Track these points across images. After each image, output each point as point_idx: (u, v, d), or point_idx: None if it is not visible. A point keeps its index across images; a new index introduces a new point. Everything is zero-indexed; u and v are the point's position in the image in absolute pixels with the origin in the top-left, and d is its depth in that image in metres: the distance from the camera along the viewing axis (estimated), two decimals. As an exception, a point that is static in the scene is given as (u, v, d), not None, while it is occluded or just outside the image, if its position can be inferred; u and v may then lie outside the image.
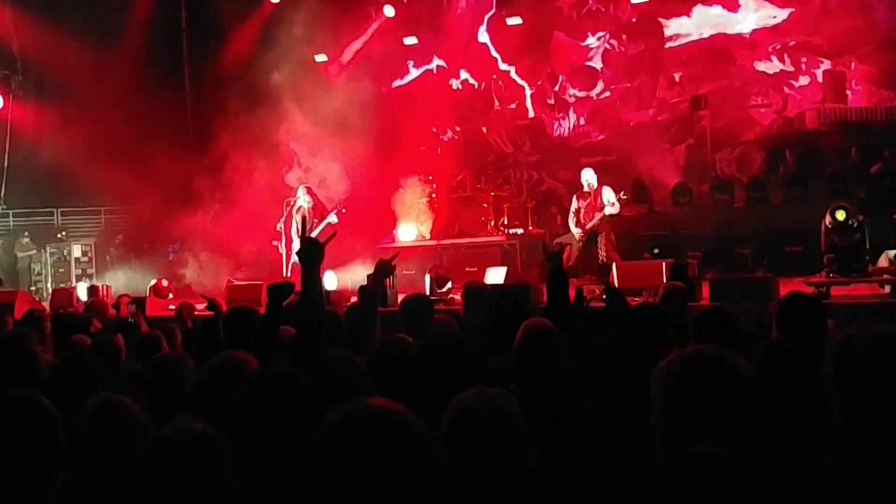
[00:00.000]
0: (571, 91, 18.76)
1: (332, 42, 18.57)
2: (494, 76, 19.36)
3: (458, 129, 19.60)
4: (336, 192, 15.30)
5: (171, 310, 9.30)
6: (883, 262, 9.25)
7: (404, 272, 12.70)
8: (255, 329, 4.24)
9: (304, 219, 10.73)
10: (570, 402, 3.18)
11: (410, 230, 15.98)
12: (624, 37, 18.20)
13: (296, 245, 12.74)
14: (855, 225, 9.48)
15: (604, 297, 5.38)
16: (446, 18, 19.39)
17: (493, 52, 19.15)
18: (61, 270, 18.11)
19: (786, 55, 16.61)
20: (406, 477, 1.65)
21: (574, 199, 12.25)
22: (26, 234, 18.60)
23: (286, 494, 2.35)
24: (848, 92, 16.02)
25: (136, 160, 16.72)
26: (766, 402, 2.41)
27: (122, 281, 16.08)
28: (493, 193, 15.72)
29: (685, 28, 17.54)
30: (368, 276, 4.63)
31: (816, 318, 3.89)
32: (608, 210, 11.69)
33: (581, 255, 11.81)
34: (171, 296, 13.03)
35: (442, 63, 19.69)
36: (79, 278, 17.50)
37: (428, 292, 10.70)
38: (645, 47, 17.97)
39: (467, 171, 17.18)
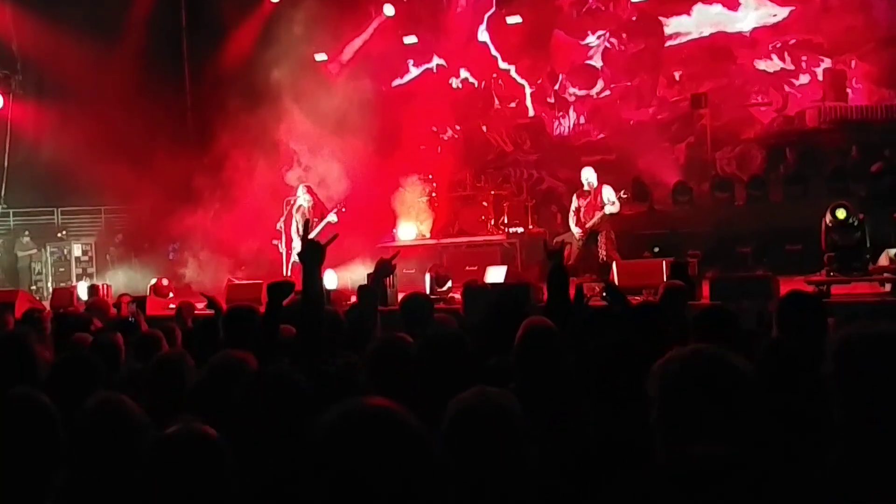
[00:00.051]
0: (571, 90, 18.75)
1: (332, 41, 18.57)
2: (494, 75, 19.35)
3: (458, 127, 19.60)
4: (336, 191, 15.29)
5: (172, 309, 9.30)
6: (883, 260, 9.24)
7: (404, 271, 12.70)
8: (254, 328, 4.24)
9: (306, 220, 10.69)
10: (571, 402, 3.18)
11: (410, 229, 15.97)
12: (624, 35, 18.20)
13: (296, 244, 12.75)
14: (855, 223, 9.48)
15: (604, 294, 5.38)
16: (446, 17, 19.38)
17: (493, 51, 19.15)
18: (62, 270, 18.11)
19: (786, 53, 16.60)
20: (403, 476, 1.65)
21: (574, 197, 12.25)
22: (27, 233, 18.61)
23: (284, 494, 2.35)
24: (848, 90, 16.02)
25: (137, 159, 16.72)
26: (766, 401, 2.41)
27: (122, 280, 16.09)
28: (493, 192, 15.71)
29: (685, 26, 17.54)
30: (369, 275, 4.63)
31: (817, 316, 3.89)
32: (608, 209, 11.69)
33: (581, 253, 11.82)
34: (171, 295, 13.04)
35: (442, 62, 19.68)
36: (79, 277, 17.50)
37: (428, 291, 10.70)
38: (645, 46, 17.97)
39: (467, 170, 17.18)
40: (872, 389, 2.06)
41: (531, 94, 19.08)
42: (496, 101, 19.51)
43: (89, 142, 16.51)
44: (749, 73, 16.90)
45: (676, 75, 17.71)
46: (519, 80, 19.16)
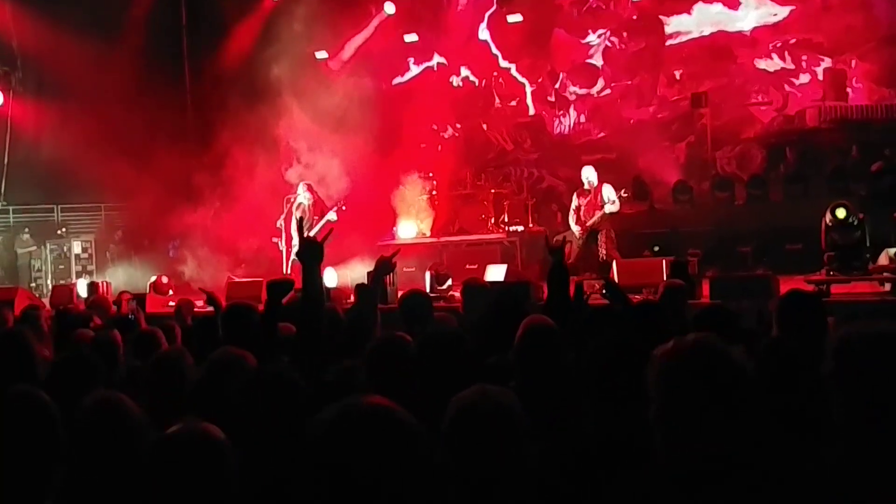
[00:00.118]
0: (572, 88, 18.74)
1: (333, 39, 18.58)
2: (495, 73, 19.34)
3: (458, 126, 19.58)
4: (336, 190, 15.29)
5: (171, 307, 9.30)
6: (883, 259, 9.25)
7: (404, 269, 12.71)
8: (253, 326, 4.23)
9: (300, 219, 10.68)
10: (571, 401, 3.17)
11: (411, 227, 15.97)
12: (624, 34, 18.19)
13: (296, 242, 12.75)
14: (855, 223, 9.48)
15: (604, 292, 5.38)
16: (447, 16, 19.37)
17: (494, 50, 19.13)
18: (61, 267, 18.10)
19: (786, 53, 16.59)
20: (399, 474, 1.65)
21: (574, 196, 12.26)
22: (26, 230, 18.59)
23: (282, 492, 2.35)
24: (848, 90, 16.00)
25: (137, 157, 16.72)
26: (766, 400, 2.41)
27: (121, 278, 16.10)
28: (493, 191, 15.71)
29: (686, 26, 17.52)
30: (369, 273, 4.62)
31: (816, 315, 3.89)
32: (608, 208, 11.70)
33: (581, 252, 11.83)
34: (171, 293, 13.04)
35: (442, 60, 19.67)
36: (79, 275, 17.48)
37: (428, 290, 10.71)
38: (645, 45, 17.96)
39: (468, 169, 17.18)
40: (872, 389, 2.06)
41: (532, 93, 19.07)
42: (497, 100, 19.49)
43: (89, 139, 16.50)
44: (749, 73, 16.89)
45: (677, 74, 17.70)
46: (519, 78, 19.15)
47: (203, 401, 3.11)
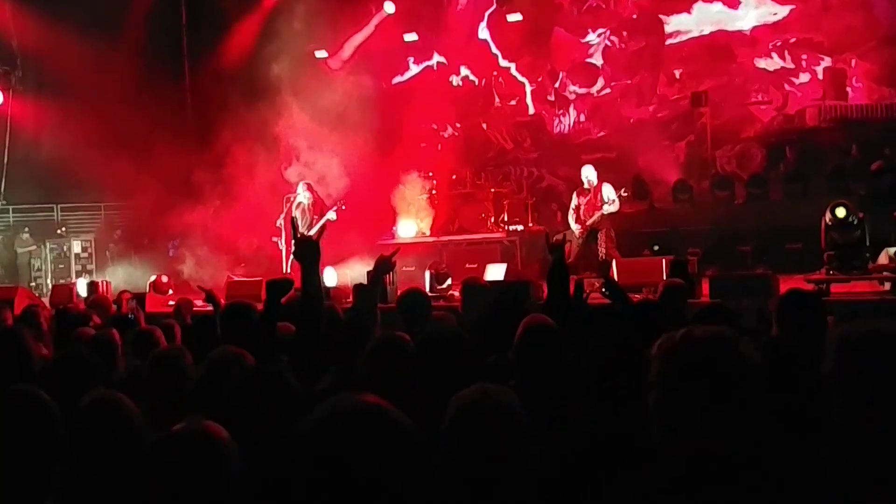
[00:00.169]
0: (572, 88, 18.74)
1: (333, 38, 18.58)
2: (495, 73, 19.34)
3: (458, 125, 19.59)
4: (336, 189, 15.29)
5: (171, 306, 9.30)
6: (883, 259, 9.24)
7: (404, 269, 12.71)
8: (251, 325, 4.23)
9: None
10: (570, 399, 3.17)
11: (410, 226, 15.97)
12: (624, 33, 18.19)
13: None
14: (855, 222, 9.48)
15: (603, 290, 5.38)
16: (446, 15, 19.38)
17: (494, 49, 19.13)
18: (61, 266, 18.11)
19: (786, 52, 16.59)
20: (389, 472, 1.64)
21: (574, 195, 12.26)
22: (26, 229, 18.60)
23: (275, 491, 2.34)
24: (848, 89, 16.00)
25: (137, 156, 16.73)
26: (765, 399, 2.40)
27: (121, 277, 16.10)
28: (493, 190, 15.71)
29: (686, 25, 17.52)
30: (368, 272, 4.61)
31: (816, 315, 3.89)
32: (607, 209, 11.70)
33: (581, 251, 11.83)
34: (170, 292, 13.04)
35: (442, 59, 19.67)
36: (78, 274, 17.48)
37: (428, 289, 10.70)
38: (645, 44, 17.95)
39: (467, 168, 17.17)
40: (872, 388, 2.06)
41: (531, 92, 19.07)
42: (496, 99, 19.49)
43: (89, 138, 16.50)
44: (749, 72, 16.89)
45: (677, 73, 17.70)
46: (519, 77, 19.15)
47: (202, 399, 3.11)
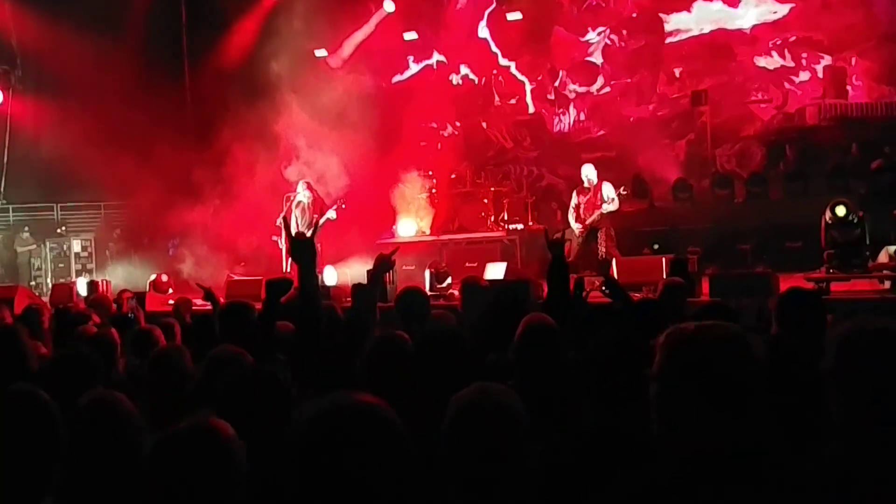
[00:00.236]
0: (572, 86, 18.74)
1: (333, 37, 18.58)
2: (494, 71, 19.33)
3: (458, 124, 19.59)
4: (336, 187, 15.29)
5: (171, 305, 9.30)
6: (883, 257, 9.24)
7: (404, 267, 12.72)
8: (250, 324, 4.23)
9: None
10: (570, 399, 3.17)
11: (410, 225, 15.96)
12: (624, 32, 18.18)
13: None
14: (855, 220, 9.47)
15: (603, 288, 5.37)
16: (446, 13, 19.37)
17: (494, 48, 19.13)
18: (61, 265, 18.12)
19: (786, 51, 16.58)
20: (379, 471, 1.64)
21: (574, 194, 12.26)
22: (26, 228, 18.61)
23: (269, 490, 2.34)
24: (848, 87, 16.00)
25: (136, 155, 16.72)
26: (767, 398, 2.39)
27: (121, 276, 16.10)
28: (492, 189, 15.71)
29: (685, 23, 17.51)
30: (368, 271, 4.60)
31: (816, 313, 3.89)
32: (606, 207, 11.69)
33: (581, 250, 11.82)
34: (170, 291, 13.04)
35: (442, 58, 19.67)
36: (78, 273, 17.49)
37: (428, 288, 10.71)
38: (645, 43, 17.95)
39: (467, 167, 17.17)
40: (872, 386, 2.05)
41: (531, 91, 19.07)
42: (496, 98, 19.49)
43: (89, 137, 16.50)
44: (749, 70, 16.88)
45: (677, 72, 17.70)
46: (519, 76, 19.15)
47: (202, 398, 3.11)
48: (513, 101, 19.32)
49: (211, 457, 2.16)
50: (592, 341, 3.09)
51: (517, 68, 19.10)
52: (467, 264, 13.04)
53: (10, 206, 19.20)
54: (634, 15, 18.04)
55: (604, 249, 11.70)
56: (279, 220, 13.54)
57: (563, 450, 2.66)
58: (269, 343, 3.93)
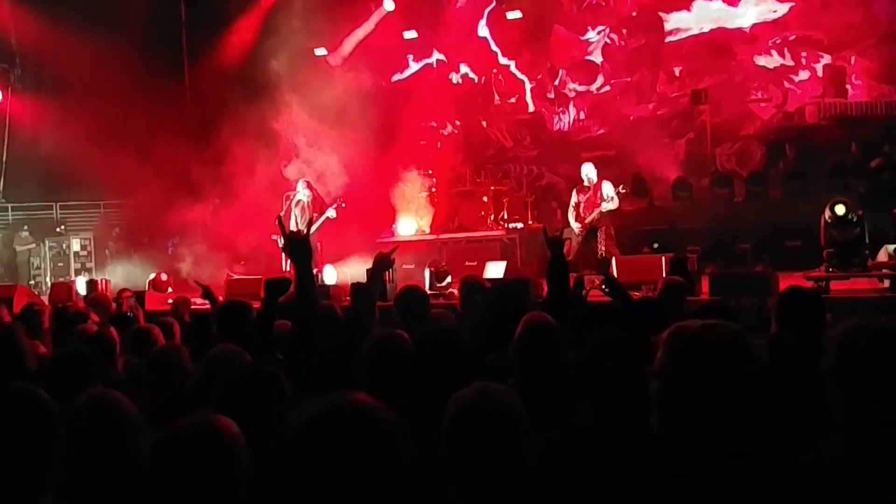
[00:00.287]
0: (571, 85, 18.74)
1: (332, 36, 18.57)
2: (494, 70, 19.33)
3: (457, 123, 19.58)
4: (335, 186, 15.29)
5: (171, 304, 9.29)
6: (882, 256, 9.24)
7: (403, 266, 12.71)
8: (248, 324, 4.22)
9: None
10: (570, 398, 3.16)
11: (410, 224, 15.96)
12: (624, 31, 18.18)
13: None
14: (854, 219, 9.47)
15: (603, 287, 5.37)
16: (446, 12, 19.36)
17: (493, 47, 19.13)
18: (60, 264, 18.12)
19: (786, 50, 16.59)
20: (374, 470, 1.64)
21: (574, 193, 12.25)
22: (25, 227, 18.61)
23: (264, 488, 2.34)
24: (848, 86, 16.00)
25: (136, 153, 16.72)
26: (766, 397, 2.39)
27: (120, 275, 16.09)
28: (492, 188, 15.71)
29: (685, 22, 17.51)
30: (368, 270, 4.59)
31: (815, 312, 3.88)
32: (605, 206, 11.68)
33: (580, 249, 11.82)
34: (170, 290, 13.03)
35: (442, 57, 19.67)
36: (78, 272, 17.50)
37: (427, 287, 10.70)
38: (645, 41, 17.95)
39: (467, 166, 17.17)
40: (872, 385, 2.05)
41: (531, 90, 19.06)
42: (496, 97, 19.49)
43: (88, 136, 16.49)
44: (749, 70, 16.89)
45: (676, 71, 17.70)
46: (519, 75, 19.14)
47: (201, 397, 3.10)
48: (512, 100, 19.32)
49: (215, 454, 2.16)
50: (592, 339, 3.09)
51: (517, 67, 19.09)
52: (467, 263, 13.04)
53: (10, 206, 19.21)
54: (634, 14, 18.04)
55: (603, 248, 11.70)
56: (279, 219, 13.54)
57: (563, 449, 2.65)
58: (267, 342, 3.92)
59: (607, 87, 18.40)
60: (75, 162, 16.79)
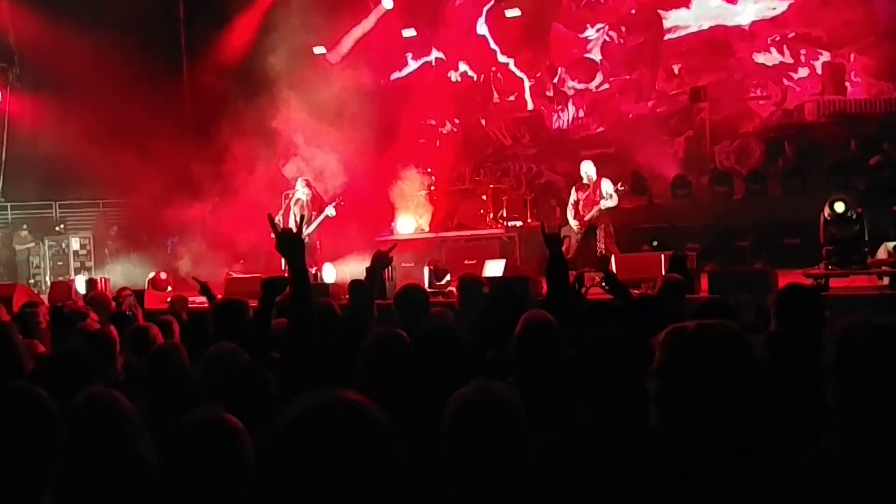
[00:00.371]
0: (570, 83, 18.73)
1: (331, 34, 18.55)
2: (493, 68, 19.32)
3: (456, 121, 19.57)
4: (334, 185, 15.28)
5: (168, 303, 9.29)
6: (882, 253, 9.24)
7: (402, 265, 12.70)
8: (245, 322, 4.21)
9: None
10: (570, 396, 3.16)
11: (409, 222, 15.96)
12: (623, 29, 18.17)
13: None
14: (854, 217, 9.47)
15: (603, 284, 5.36)
16: (445, 10, 19.34)
17: (492, 45, 19.11)
18: (60, 263, 18.11)
19: (785, 47, 16.58)
20: (364, 469, 1.63)
21: (573, 191, 12.24)
22: (25, 226, 18.60)
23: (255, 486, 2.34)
24: (847, 84, 16.00)
25: (135, 152, 16.70)
26: (766, 395, 2.39)
27: (120, 274, 16.08)
28: (491, 186, 15.71)
29: (684, 20, 17.51)
30: (367, 269, 4.58)
31: (815, 310, 3.88)
32: (604, 204, 11.67)
33: (580, 247, 11.81)
34: (169, 288, 13.02)
35: (441, 55, 19.65)
36: (77, 271, 17.49)
37: (426, 285, 10.69)
38: (644, 39, 17.94)
39: (466, 164, 17.18)
40: (872, 382, 2.05)
41: (530, 88, 19.05)
42: (495, 95, 19.48)
43: (88, 135, 16.47)
44: (748, 67, 16.88)
45: (675, 69, 17.69)
46: (518, 73, 19.13)
47: (199, 395, 3.10)
48: (512, 98, 19.31)
49: (221, 449, 2.16)
50: (591, 338, 3.08)
51: (516, 65, 19.08)
52: (466, 261, 13.04)
53: (9, 205, 19.19)
54: (633, 11, 18.03)
55: (602, 246, 11.69)
56: (277, 217, 13.52)
57: (562, 448, 2.65)
58: (263, 341, 3.91)
59: (606, 85, 18.39)
60: (74, 161, 16.78)
